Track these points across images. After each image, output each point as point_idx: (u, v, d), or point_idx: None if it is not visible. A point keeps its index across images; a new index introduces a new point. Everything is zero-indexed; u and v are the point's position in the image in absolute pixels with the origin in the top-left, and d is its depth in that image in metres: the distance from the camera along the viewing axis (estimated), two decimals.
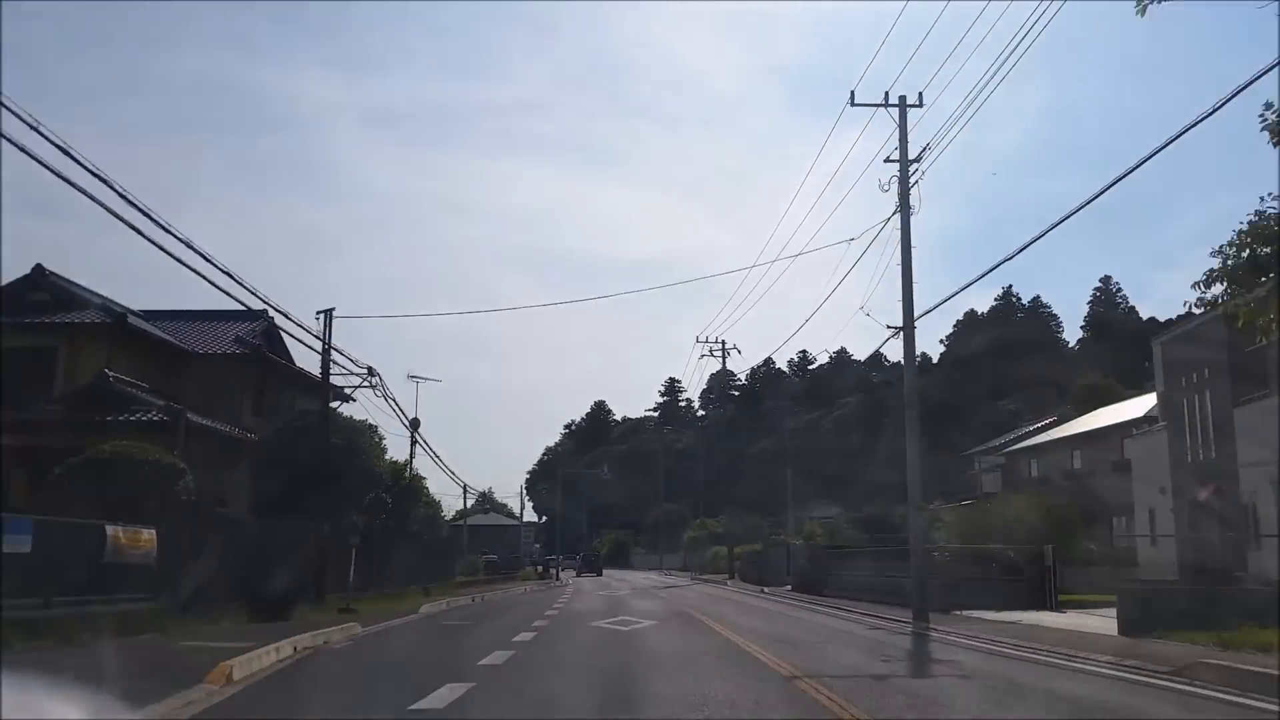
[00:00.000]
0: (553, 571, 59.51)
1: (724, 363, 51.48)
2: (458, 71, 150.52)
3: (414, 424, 34.96)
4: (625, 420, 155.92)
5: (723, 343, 51.72)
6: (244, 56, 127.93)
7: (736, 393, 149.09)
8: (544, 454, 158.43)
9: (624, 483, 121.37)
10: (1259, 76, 10.25)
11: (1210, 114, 11.03)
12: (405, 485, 28.67)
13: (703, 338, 51.89)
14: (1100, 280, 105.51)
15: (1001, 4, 26.22)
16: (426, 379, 36.23)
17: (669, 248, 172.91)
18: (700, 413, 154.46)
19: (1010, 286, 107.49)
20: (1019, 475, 43.17)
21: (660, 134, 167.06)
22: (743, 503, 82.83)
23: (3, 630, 10.59)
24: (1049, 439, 42.13)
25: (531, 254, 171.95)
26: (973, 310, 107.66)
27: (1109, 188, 14.00)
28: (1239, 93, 10.55)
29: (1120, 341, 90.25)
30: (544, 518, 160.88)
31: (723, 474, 79.54)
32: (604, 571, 76.62)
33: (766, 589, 33.20)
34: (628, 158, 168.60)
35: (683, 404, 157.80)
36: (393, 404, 23.32)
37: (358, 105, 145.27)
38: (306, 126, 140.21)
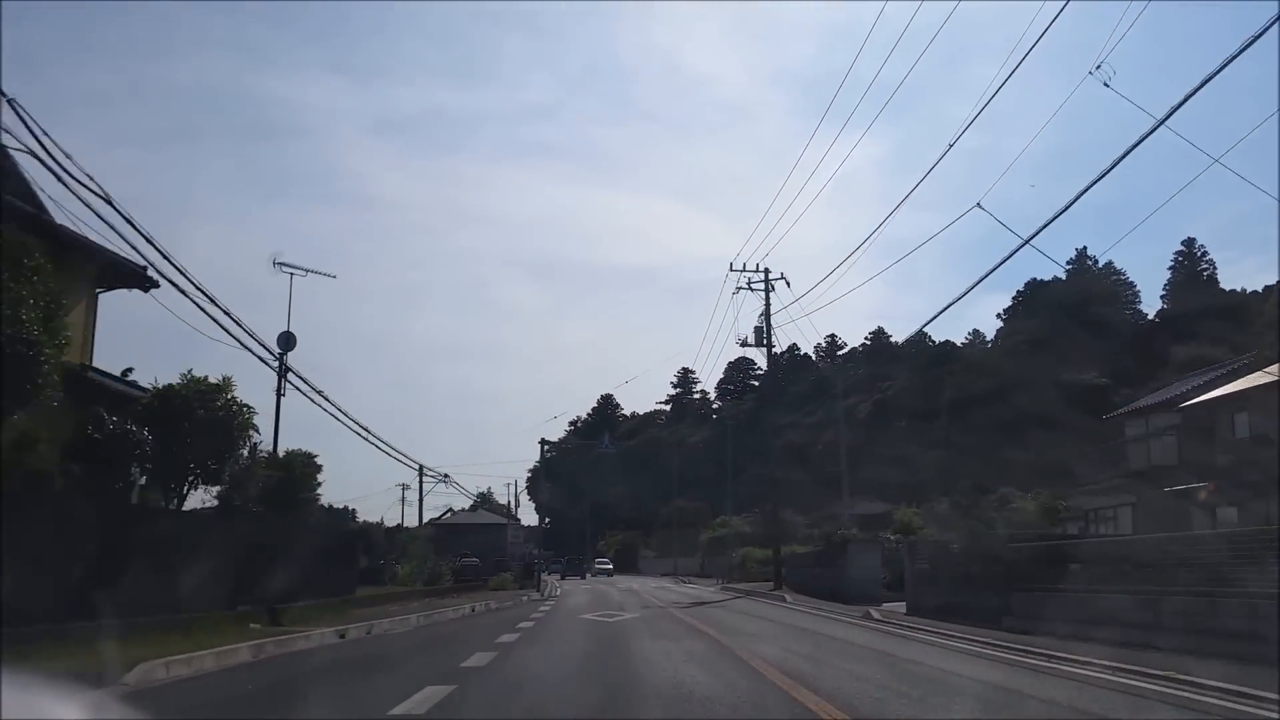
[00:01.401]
0: (538, 576, 45.61)
1: (767, 297, 37.84)
2: (465, 78, 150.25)
3: (283, 343, 21.44)
4: (634, 415, 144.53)
5: (765, 271, 38.16)
6: (249, 63, 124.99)
7: (755, 383, 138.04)
8: (547, 450, 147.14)
9: (632, 481, 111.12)
10: None
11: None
12: (214, 419, 15.01)
13: (738, 265, 38.41)
14: (1183, 243, 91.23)
15: None
16: (306, 270, 22.91)
17: (675, 253, 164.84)
18: (716, 404, 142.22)
19: (1084, 249, 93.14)
20: (1214, 436, 29.23)
21: (668, 140, 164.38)
22: (770, 499, 71.61)
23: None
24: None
25: (538, 260, 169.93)
26: (1034, 279, 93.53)
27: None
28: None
29: (1208, 311, 76.54)
30: (547, 520, 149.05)
31: (742, 468, 67.00)
32: (612, 576, 66.48)
33: (875, 611, 19.34)
34: (635, 164, 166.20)
35: (696, 396, 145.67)
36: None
37: (364, 112, 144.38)
38: (313, 133, 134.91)
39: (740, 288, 38.01)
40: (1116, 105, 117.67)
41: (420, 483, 43.00)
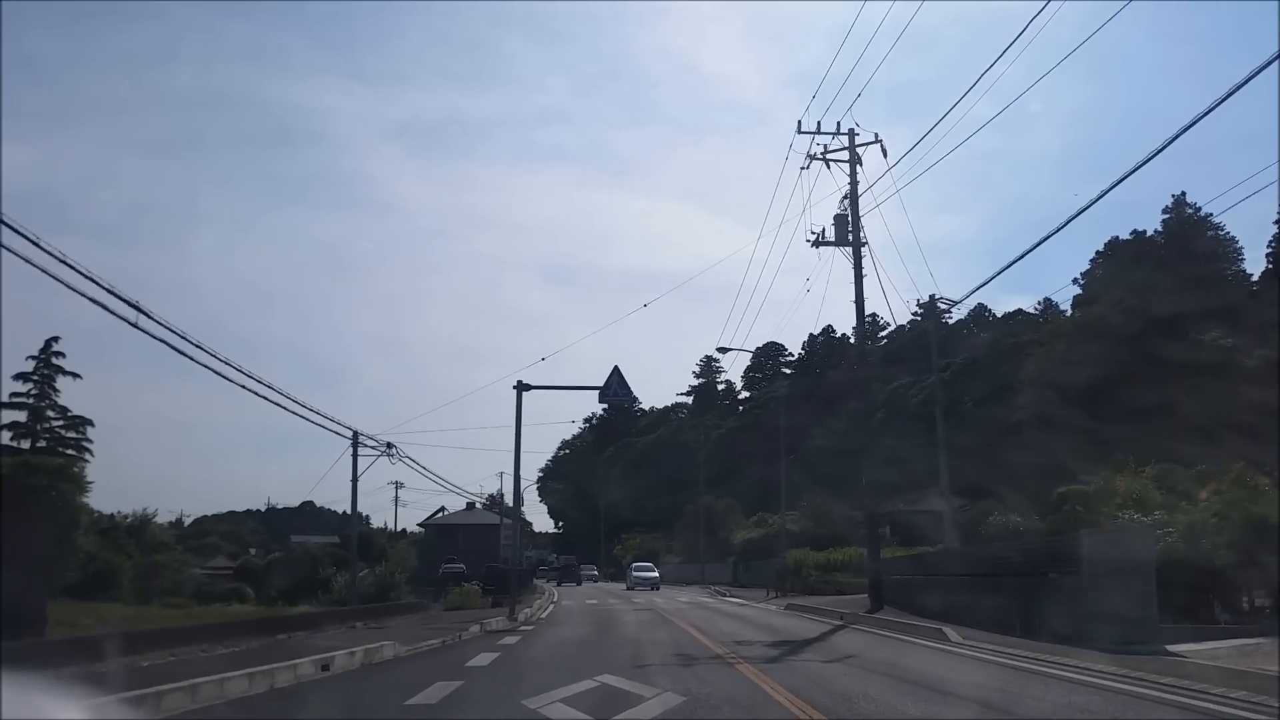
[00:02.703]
0: (514, 589, 26.83)
1: (853, 170, 25.26)
2: (478, 83, 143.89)
3: None
4: (651, 410, 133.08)
5: (850, 134, 25.55)
6: (263, 69, 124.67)
7: (789, 370, 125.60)
8: (559, 448, 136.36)
9: (649, 479, 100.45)
10: None
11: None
12: None
13: (809, 125, 25.83)
14: None
15: None
16: None
17: (692, 257, 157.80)
18: (743, 394, 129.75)
19: (1183, 194, 79.06)
20: None
21: (683, 143, 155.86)
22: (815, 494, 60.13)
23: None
24: None
25: (552, 264, 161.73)
26: (1115, 237, 79.95)
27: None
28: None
29: None
30: (560, 523, 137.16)
31: (773, 462, 55.24)
32: (658, 588, 50.74)
33: None
34: (650, 167, 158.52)
35: (721, 385, 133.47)
36: None
37: (379, 117, 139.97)
38: (327, 138, 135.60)
39: (813, 157, 25.45)
40: (1127, 105, 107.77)
41: (354, 455, 30.87)
